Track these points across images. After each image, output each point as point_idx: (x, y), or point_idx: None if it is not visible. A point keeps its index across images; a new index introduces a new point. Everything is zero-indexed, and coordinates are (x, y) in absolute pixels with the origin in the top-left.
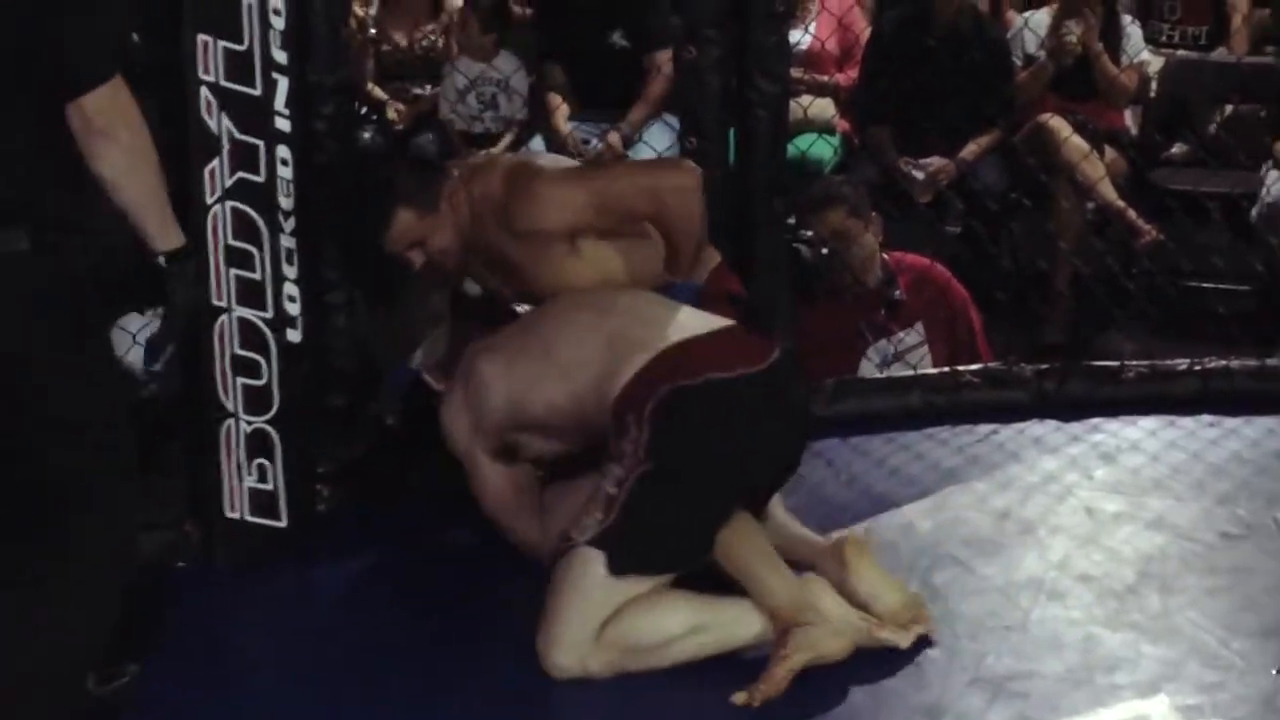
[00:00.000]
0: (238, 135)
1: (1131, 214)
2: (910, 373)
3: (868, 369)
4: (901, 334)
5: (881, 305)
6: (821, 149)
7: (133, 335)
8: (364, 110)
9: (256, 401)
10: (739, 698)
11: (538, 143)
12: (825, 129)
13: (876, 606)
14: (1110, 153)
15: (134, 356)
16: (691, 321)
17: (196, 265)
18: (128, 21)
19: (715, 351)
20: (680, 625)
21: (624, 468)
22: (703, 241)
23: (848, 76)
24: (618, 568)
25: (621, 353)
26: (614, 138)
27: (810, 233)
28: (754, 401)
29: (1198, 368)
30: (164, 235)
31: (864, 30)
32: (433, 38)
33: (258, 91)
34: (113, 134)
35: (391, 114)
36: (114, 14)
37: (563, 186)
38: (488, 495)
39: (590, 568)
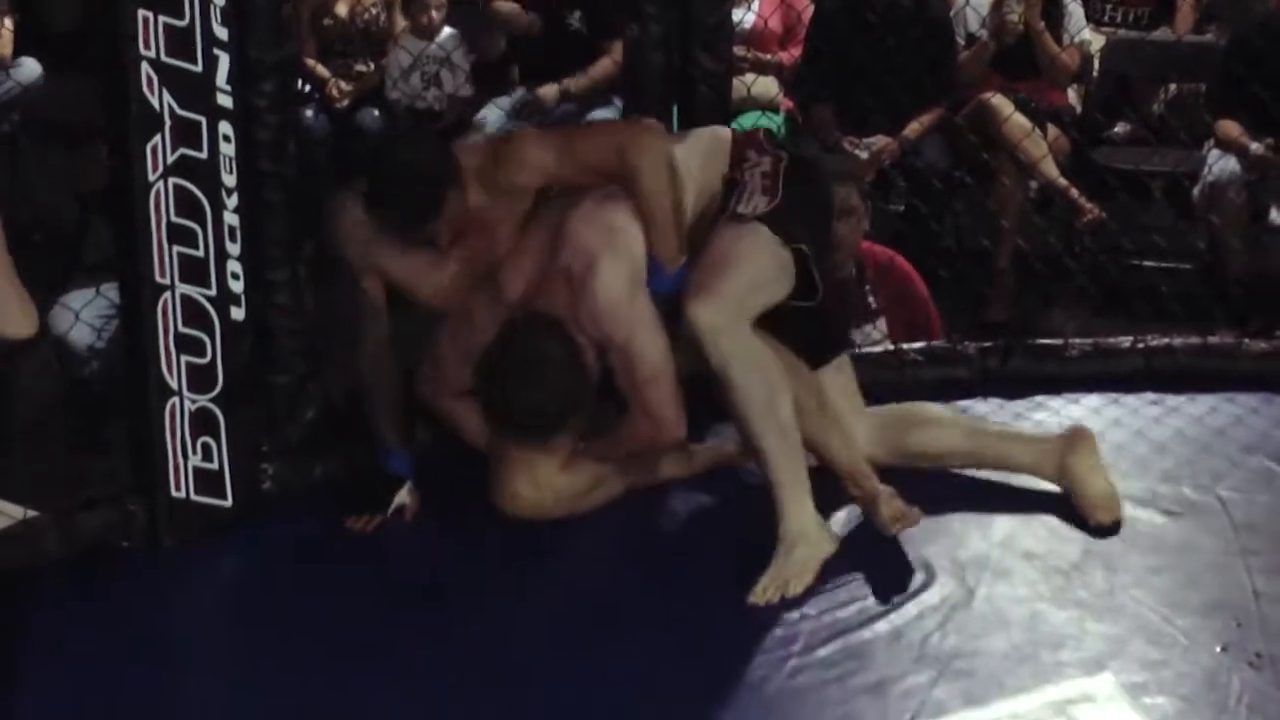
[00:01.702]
0: (179, 111)
1: (1074, 192)
2: (854, 350)
3: None
4: (868, 327)
5: (853, 294)
6: (765, 127)
7: (75, 312)
8: (306, 87)
9: (201, 379)
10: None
11: (488, 116)
12: (769, 107)
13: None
14: (1053, 131)
15: (77, 333)
16: None
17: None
18: None
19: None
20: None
21: (767, 160)
22: (681, 220)
23: (790, 55)
24: (785, 237)
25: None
26: (545, 90)
27: None
28: None
29: (1140, 345)
30: (11, 324)
31: (807, 8)
32: (374, 11)
33: (199, 68)
34: None
35: (334, 91)
36: None
37: (538, 143)
38: (651, 361)
39: (761, 236)
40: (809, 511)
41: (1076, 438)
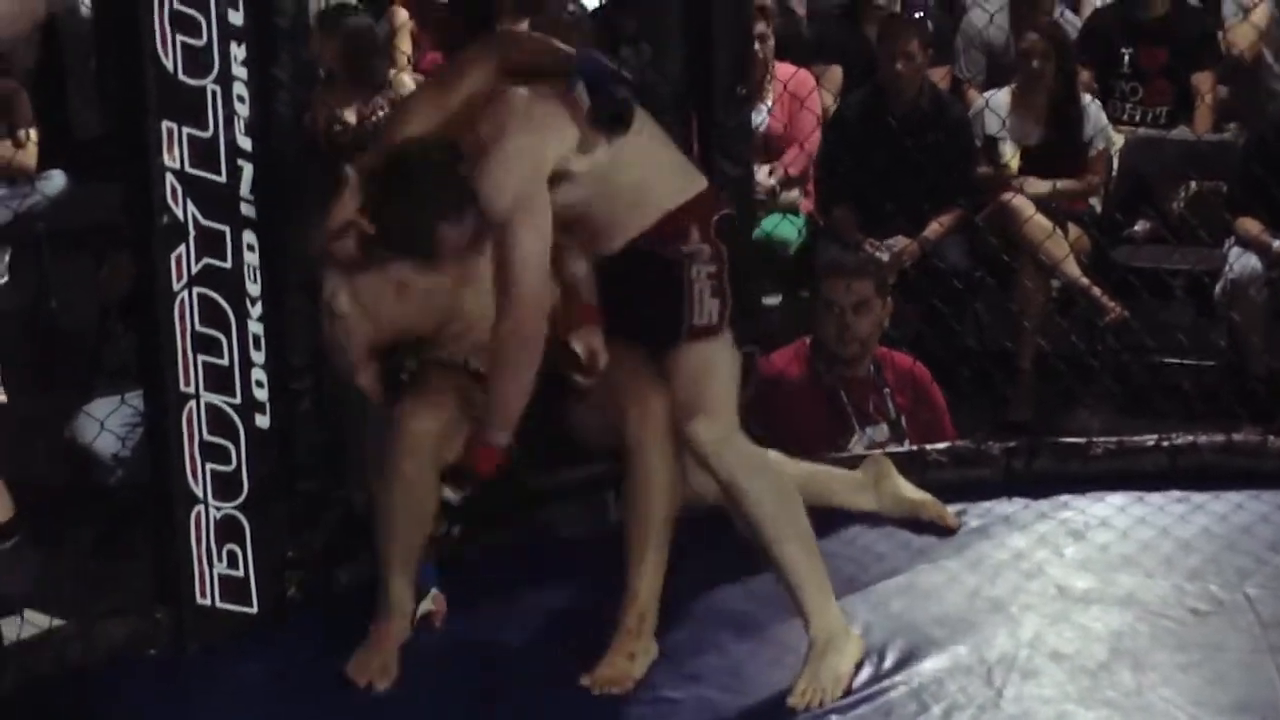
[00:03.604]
0: (203, 221)
1: (1096, 291)
2: (878, 451)
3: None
4: (883, 425)
5: (871, 393)
6: (786, 229)
7: (100, 421)
8: None
9: (226, 487)
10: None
11: None
12: (789, 209)
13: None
14: (1074, 231)
15: (102, 443)
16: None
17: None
18: None
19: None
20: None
21: (708, 259)
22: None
23: (797, 163)
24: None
25: (681, 166)
26: None
27: None
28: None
29: (1165, 443)
30: None
31: (819, 113)
32: (381, 114)
33: (223, 178)
34: None
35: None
36: None
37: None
38: (532, 257)
39: (725, 342)
40: (835, 614)
41: (876, 464)
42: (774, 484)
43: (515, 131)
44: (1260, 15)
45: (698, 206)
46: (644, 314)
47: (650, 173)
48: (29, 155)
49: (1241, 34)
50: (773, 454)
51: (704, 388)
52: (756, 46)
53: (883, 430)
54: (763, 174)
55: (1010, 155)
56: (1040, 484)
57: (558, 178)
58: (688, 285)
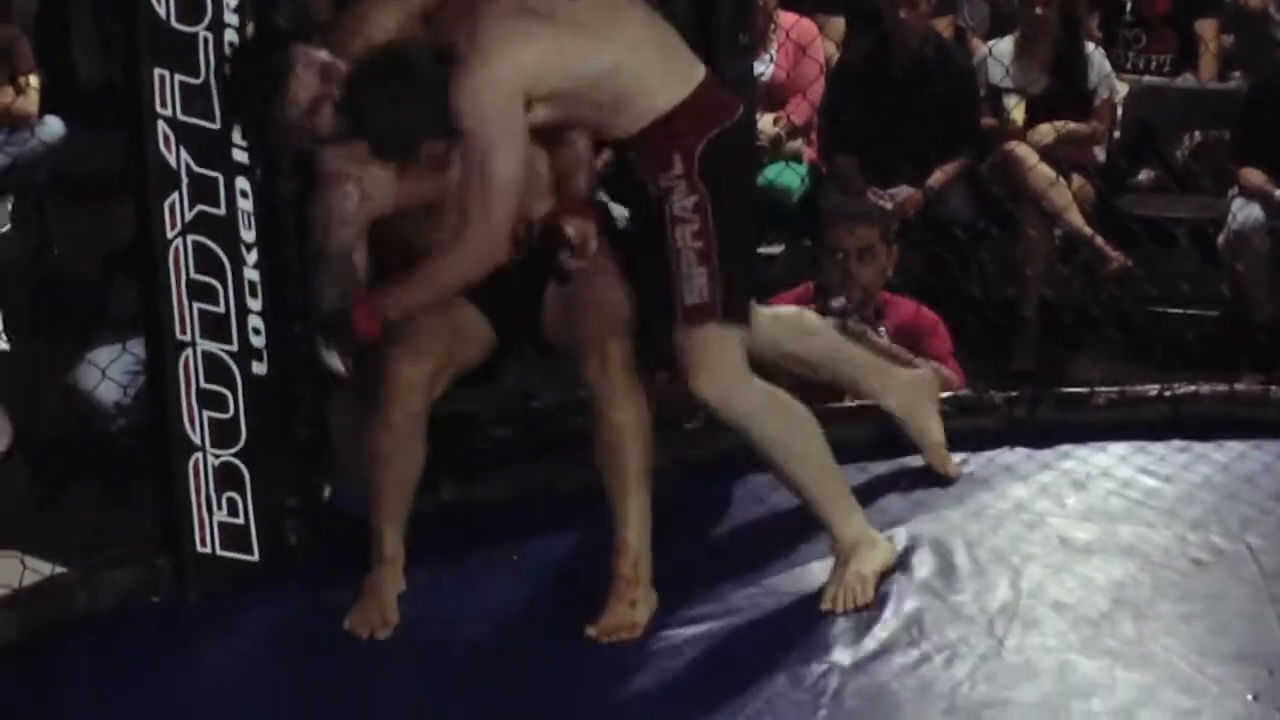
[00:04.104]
0: (196, 169)
1: (1099, 241)
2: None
3: None
4: None
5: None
6: (789, 178)
7: (102, 370)
8: None
9: (224, 434)
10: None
11: None
12: (792, 157)
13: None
14: (1077, 180)
15: (103, 390)
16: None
17: None
18: None
19: (714, 98)
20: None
21: (693, 211)
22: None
23: (800, 111)
24: (727, 316)
25: (669, 69)
26: None
27: None
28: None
29: (1167, 393)
30: None
31: (822, 62)
32: None
33: (215, 124)
34: None
35: None
36: None
37: None
38: (504, 183)
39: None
40: (858, 523)
41: (923, 382)
42: (785, 422)
43: (494, 49)
44: None
45: (686, 117)
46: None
47: (639, 66)
48: (30, 102)
49: None
50: (808, 314)
51: (703, 353)
52: None
53: None
54: (766, 122)
55: (1015, 107)
56: (1042, 433)
57: (534, 100)
58: (673, 255)
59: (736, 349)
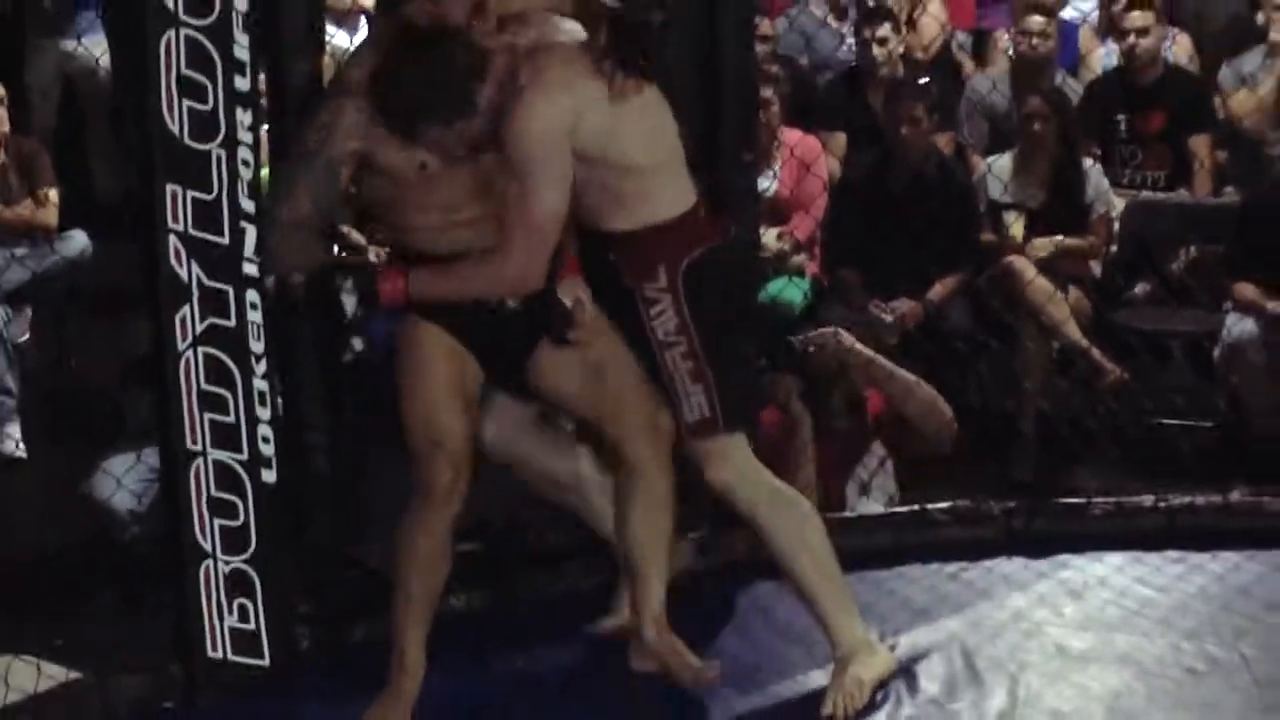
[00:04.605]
0: (207, 282)
1: (1096, 354)
2: (880, 511)
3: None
4: (866, 458)
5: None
6: (792, 292)
7: (117, 479)
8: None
9: (234, 541)
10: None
11: None
12: (796, 271)
13: None
14: (1074, 293)
15: (119, 499)
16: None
17: None
18: None
19: (705, 221)
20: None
21: (676, 333)
22: None
23: (803, 227)
24: (731, 425)
25: (676, 185)
26: None
27: None
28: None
29: (1163, 504)
30: None
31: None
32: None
33: (226, 240)
34: None
35: (373, 257)
36: None
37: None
38: (549, 210)
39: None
40: (857, 629)
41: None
42: (789, 518)
43: (556, 88)
44: (1267, 88)
45: (675, 232)
46: None
47: (634, 170)
48: (50, 215)
49: (1242, 103)
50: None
51: (711, 451)
52: (762, 113)
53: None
54: (770, 237)
55: (1014, 222)
56: (1040, 543)
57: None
58: (667, 379)
59: (743, 444)
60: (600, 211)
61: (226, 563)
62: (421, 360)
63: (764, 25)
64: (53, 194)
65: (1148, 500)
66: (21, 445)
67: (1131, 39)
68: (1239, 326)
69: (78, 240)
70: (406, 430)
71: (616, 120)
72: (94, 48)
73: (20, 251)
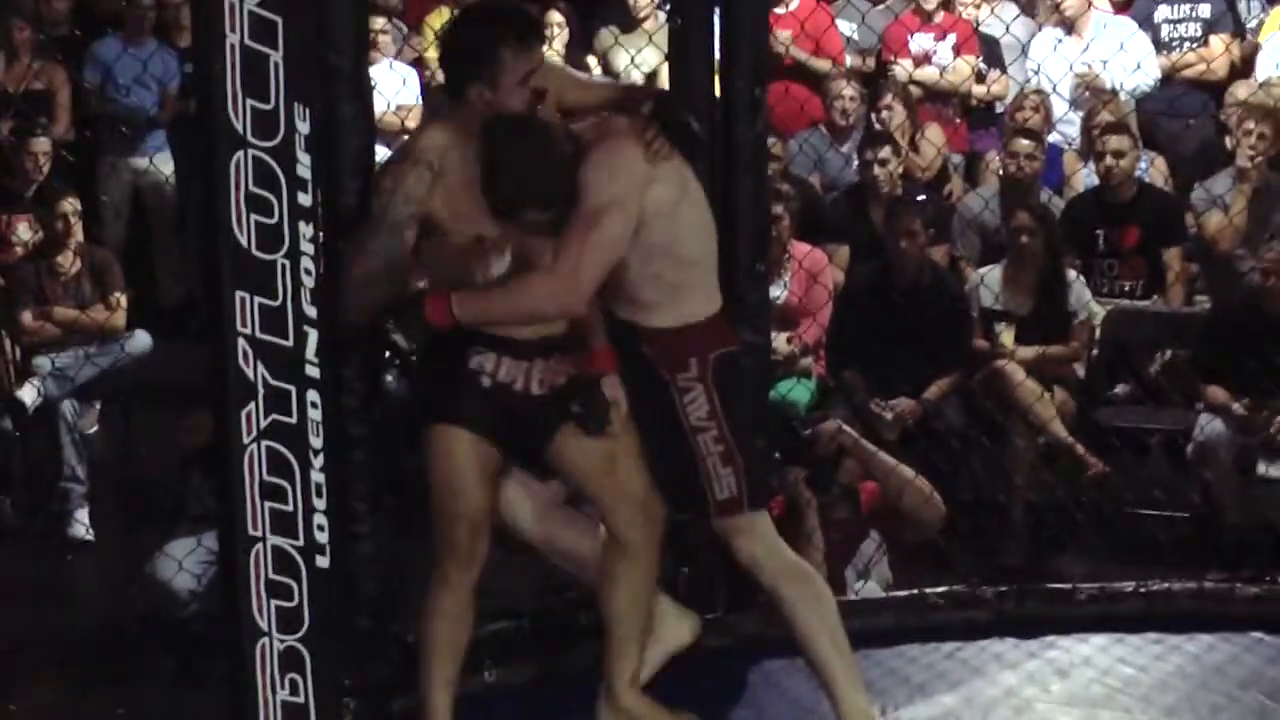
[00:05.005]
0: (272, 381)
1: (1080, 449)
2: (880, 594)
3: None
4: (863, 544)
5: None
6: (799, 393)
7: (178, 561)
8: (389, 355)
9: (289, 621)
10: None
11: None
12: (803, 374)
13: None
14: (1060, 394)
15: (179, 580)
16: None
17: None
18: None
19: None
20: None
21: (707, 419)
22: None
23: (811, 332)
24: (756, 504)
25: (711, 285)
26: None
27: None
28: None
29: (1143, 589)
30: None
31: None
32: None
33: (290, 343)
34: None
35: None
36: None
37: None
38: (606, 247)
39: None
40: (863, 702)
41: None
42: (805, 593)
43: (626, 144)
44: (1237, 211)
45: (707, 330)
46: (663, 492)
47: (686, 263)
48: (119, 318)
49: (1217, 227)
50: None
51: (739, 523)
52: (773, 228)
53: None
54: (780, 341)
55: (1004, 331)
56: (1029, 625)
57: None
58: (700, 461)
59: (767, 521)
60: (648, 307)
61: (281, 640)
62: (445, 447)
63: (776, 146)
64: (122, 298)
65: (1128, 586)
66: (90, 529)
67: (1108, 160)
68: (1210, 426)
69: (142, 340)
70: (431, 504)
71: (679, 200)
72: (163, 165)
73: (91, 350)
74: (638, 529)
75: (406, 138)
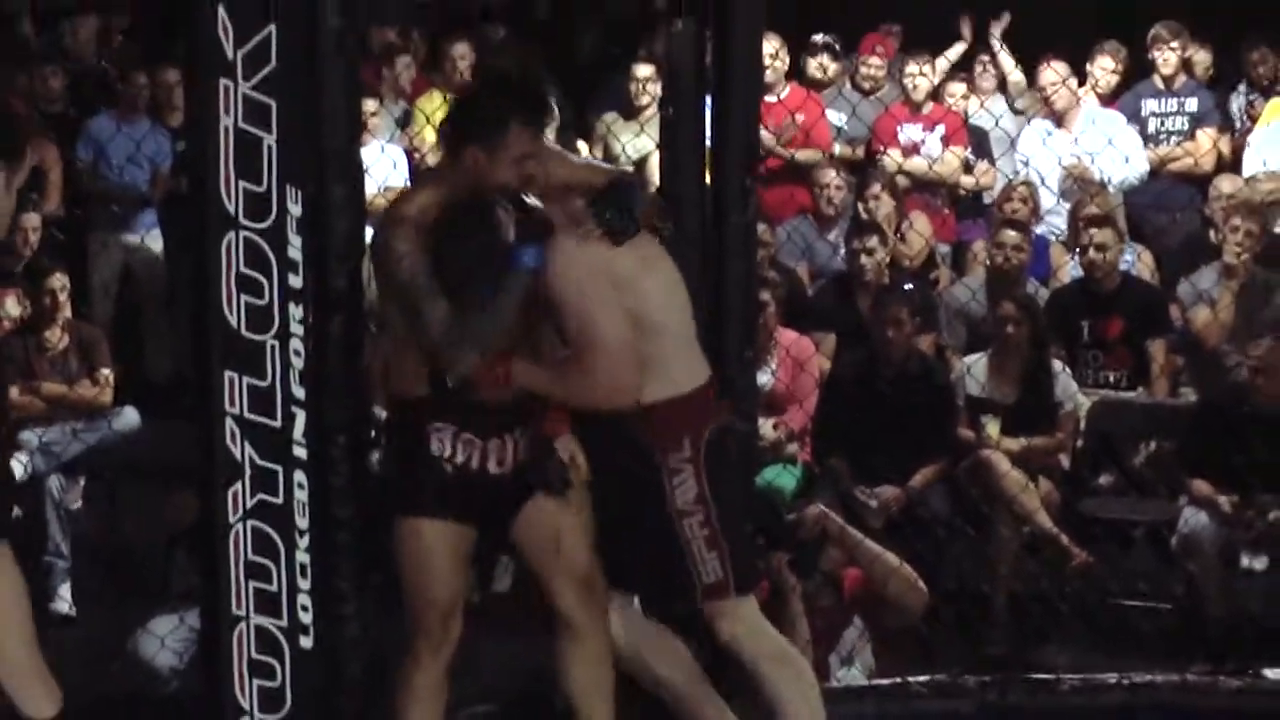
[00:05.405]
0: (259, 462)
1: (1064, 539)
2: (862, 681)
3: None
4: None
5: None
6: (785, 479)
7: (160, 638)
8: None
9: (271, 701)
10: None
11: None
12: (789, 460)
13: None
14: (1045, 484)
15: (161, 657)
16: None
17: None
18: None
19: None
20: None
21: (694, 502)
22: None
23: (797, 419)
24: (743, 588)
25: (694, 354)
26: None
27: None
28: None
29: (1126, 681)
30: (30, 705)
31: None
32: None
33: (278, 423)
34: None
35: None
36: None
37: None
38: (606, 338)
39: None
40: None
41: None
42: (792, 670)
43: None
44: (1224, 306)
45: (699, 402)
46: (648, 576)
47: (653, 331)
48: (105, 394)
49: (1206, 324)
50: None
51: (722, 606)
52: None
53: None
54: (767, 428)
55: (990, 424)
56: (1012, 716)
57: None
58: (685, 545)
59: (752, 603)
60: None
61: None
62: (413, 537)
63: (764, 233)
64: (109, 375)
65: (1112, 677)
66: (72, 605)
67: (1092, 253)
68: (1194, 518)
69: (129, 416)
70: (402, 588)
71: (637, 271)
72: (154, 243)
73: (78, 426)
74: (582, 608)
75: (396, 200)
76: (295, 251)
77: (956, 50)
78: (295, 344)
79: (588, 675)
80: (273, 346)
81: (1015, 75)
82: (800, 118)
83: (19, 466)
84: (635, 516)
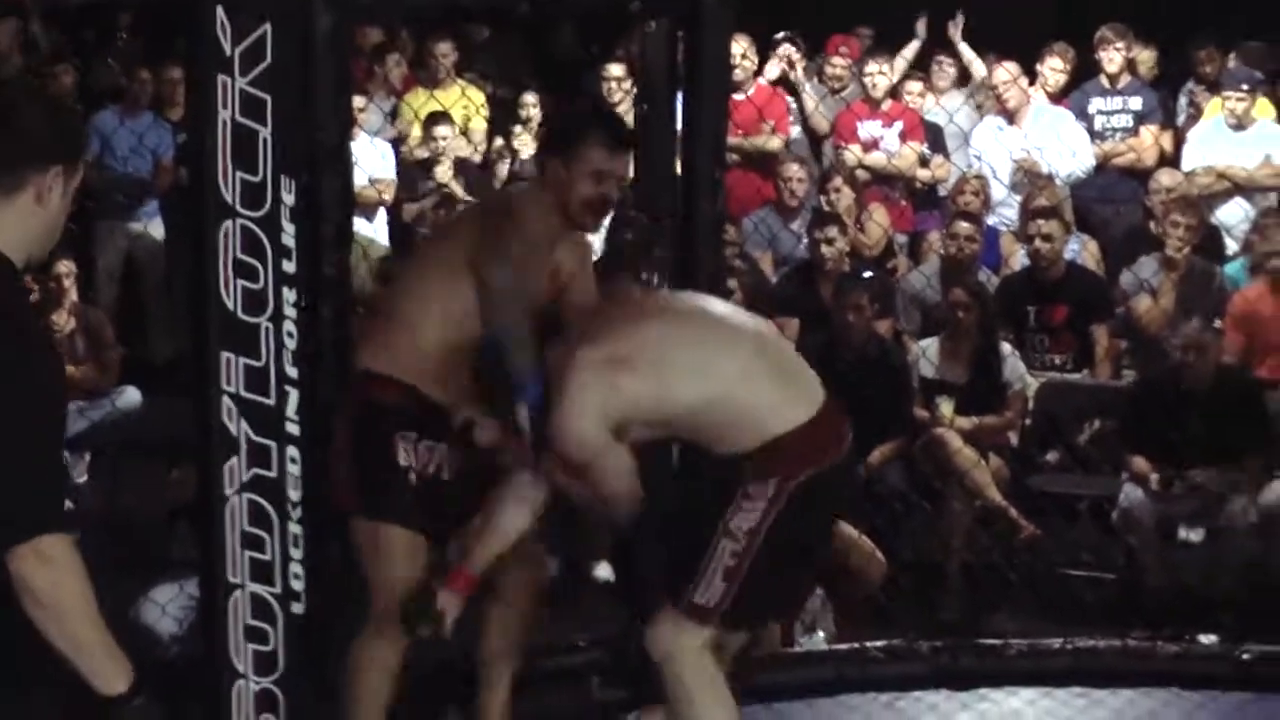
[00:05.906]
0: (254, 437)
1: (1013, 513)
2: (824, 647)
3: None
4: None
5: None
6: None
7: (161, 606)
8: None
9: (265, 664)
10: None
11: None
12: None
13: None
14: (995, 461)
15: (162, 623)
16: (814, 380)
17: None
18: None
19: (830, 431)
20: None
21: (744, 534)
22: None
23: None
24: (730, 626)
25: (785, 396)
26: None
27: None
28: (839, 488)
29: (1070, 646)
30: (102, 681)
31: None
32: None
33: (272, 401)
34: (32, 589)
35: None
36: (47, 473)
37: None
38: (621, 478)
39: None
40: None
41: None
42: (715, 698)
43: (575, 395)
44: (1165, 296)
45: (798, 443)
46: (663, 557)
47: (746, 396)
48: (110, 374)
49: (1148, 312)
50: None
51: (682, 622)
52: None
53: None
54: None
55: (944, 404)
56: (963, 679)
57: (631, 424)
58: (706, 556)
59: (704, 635)
60: (713, 441)
61: (257, 683)
62: (375, 537)
63: (730, 232)
64: (113, 356)
65: (1057, 643)
66: None
67: (1038, 243)
68: (1133, 493)
69: (132, 395)
70: (367, 574)
71: (655, 386)
72: (156, 230)
73: (83, 404)
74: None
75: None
76: (289, 238)
77: (912, 48)
78: (288, 326)
79: (503, 647)
80: (267, 328)
81: (978, 65)
82: None
83: None
84: (696, 509)
